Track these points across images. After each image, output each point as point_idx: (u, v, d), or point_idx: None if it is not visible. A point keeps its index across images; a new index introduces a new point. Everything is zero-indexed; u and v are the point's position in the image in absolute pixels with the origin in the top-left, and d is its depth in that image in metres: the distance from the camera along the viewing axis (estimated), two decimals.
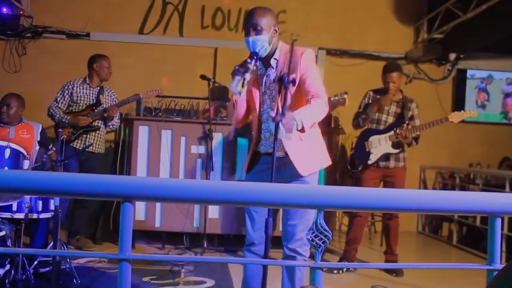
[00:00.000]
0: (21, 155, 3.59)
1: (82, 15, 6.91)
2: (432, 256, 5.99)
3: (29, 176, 1.44)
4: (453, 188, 7.03)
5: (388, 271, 4.84)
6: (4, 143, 3.54)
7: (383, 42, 7.39)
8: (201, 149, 5.33)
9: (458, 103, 7.60)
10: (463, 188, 6.94)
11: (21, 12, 6.58)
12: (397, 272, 4.76)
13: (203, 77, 5.30)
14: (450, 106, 7.65)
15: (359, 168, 4.94)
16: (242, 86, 2.71)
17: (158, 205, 5.26)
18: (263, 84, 2.93)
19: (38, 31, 6.92)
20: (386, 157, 4.79)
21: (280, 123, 2.53)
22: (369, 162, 4.80)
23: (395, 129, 4.74)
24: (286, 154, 2.89)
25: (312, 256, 1.67)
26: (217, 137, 5.36)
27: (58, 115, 5.13)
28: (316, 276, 1.44)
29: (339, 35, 7.35)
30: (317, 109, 2.71)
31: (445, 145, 7.57)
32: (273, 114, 2.56)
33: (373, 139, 4.82)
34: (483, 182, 6.77)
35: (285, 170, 2.91)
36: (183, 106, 5.68)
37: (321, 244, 1.45)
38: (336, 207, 1.42)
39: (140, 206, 5.19)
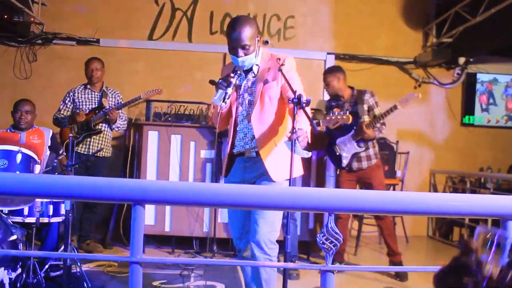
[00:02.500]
0: (32, 160, 3.63)
1: (92, 22, 6.96)
2: (442, 261, 5.93)
3: (41, 180, 1.45)
4: (463, 193, 6.99)
5: (392, 275, 4.82)
6: (15, 148, 3.57)
7: (392, 46, 7.37)
8: (211, 154, 5.35)
9: (468, 107, 7.57)
10: (474, 193, 6.90)
11: (32, 19, 6.64)
12: (401, 277, 4.73)
13: (212, 82, 5.30)
14: (460, 110, 7.61)
15: (337, 172, 5.05)
16: (224, 99, 2.81)
17: (167, 209, 5.28)
18: (242, 87, 3.02)
19: (48, 37, 6.98)
20: (357, 157, 4.84)
21: (296, 140, 2.59)
22: (343, 165, 4.88)
23: (354, 128, 4.73)
24: (258, 154, 2.96)
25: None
26: (226, 141, 5.37)
27: (60, 118, 5.21)
28: (327, 279, 1.44)
29: (347, 40, 7.34)
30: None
31: (455, 149, 7.53)
32: (288, 134, 2.65)
33: (339, 142, 4.87)
34: (494, 187, 6.73)
35: (254, 169, 2.99)
36: (192, 111, 5.71)
37: (332, 247, 1.45)
38: (346, 210, 1.42)
39: (149, 211, 5.22)
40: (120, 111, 5.27)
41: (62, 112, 5.27)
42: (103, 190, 1.39)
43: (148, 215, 5.23)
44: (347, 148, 4.81)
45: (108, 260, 4.73)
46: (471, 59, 7.42)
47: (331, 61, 7.25)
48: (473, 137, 7.56)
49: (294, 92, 2.76)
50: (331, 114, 4.14)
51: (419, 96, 4.52)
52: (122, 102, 5.40)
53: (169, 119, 5.53)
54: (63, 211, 3.87)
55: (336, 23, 7.33)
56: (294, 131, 2.62)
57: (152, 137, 5.34)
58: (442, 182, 7.50)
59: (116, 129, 5.39)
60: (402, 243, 6.26)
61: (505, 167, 7.37)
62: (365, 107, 4.77)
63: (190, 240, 5.42)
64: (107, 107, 5.25)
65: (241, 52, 2.86)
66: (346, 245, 5.68)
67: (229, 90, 2.82)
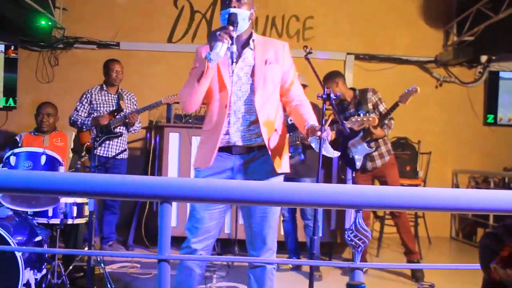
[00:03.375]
0: (56, 161, 3.66)
1: (112, 25, 7.03)
2: (466, 263, 5.85)
3: (69, 177, 1.46)
4: None
5: (411, 276, 4.77)
6: (40, 150, 3.61)
7: (412, 46, 7.31)
8: None
9: (491, 106, 7.47)
10: None
11: (54, 24, 6.73)
12: (417, 277, 4.68)
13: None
14: (482, 109, 7.51)
15: (353, 175, 5.01)
16: (232, 54, 2.51)
17: (189, 210, 5.28)
18: (234, 61, 2.65)
19: (69, 42, 7.08)
20: (370, 157, 4.79)
21: (326, 140, 2.49)
22: (357, 167, 4.84)
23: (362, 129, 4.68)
24: (264, 146, 2.67)
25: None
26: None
27: (80, 120, 5.24)
28: (356, 276, 1.43)
29: (367, 40, 7.30)
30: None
31: (477, 149, 7.43)
32: (319, 133, 2.51)
33: (350, 144, 4.83)
34: None
35: (260, 165, 2.70)
36: None
37: (361, 244, 1.43)
38: (374, 206, 1.40)
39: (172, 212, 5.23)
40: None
41: (80, 113, 5.30)
42: (132, 188, 1.39)
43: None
44: (358, 150, 4.78)
45: (136, 257, 4.76)
46: (493, 57, 7.32)
47: (351, 61, 7.22)
48: (496, 136, 7.45)
49: (323, 87, 2.71)
50: (356, 116, 4.12)
51: (418, 90, 4.44)
52: (137, 105, 5.44)
53: (190, 120, 5.54)
54: (86, 213, 3.90)
55: (356, 23, 7.29)
56: (323, 129, 2.50)
57: (173, 139, 5.36)
58: (465, 183, 7.40)
59: (133, 131, 5.43)
60: (424, 244, 6.19)
61: None
62: (370, 105, 4.73)
63: None
64: (125, 109, 5.29)
65: (235, 2, 2.55)
66: (368, 246, 5.65)
67: (234, 48, 2.48)
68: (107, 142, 5.26)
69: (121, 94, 5.37)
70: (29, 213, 3.71)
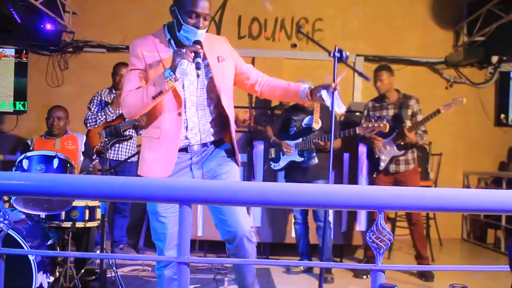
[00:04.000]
0: (69, 164, 3.66)
1: (122, 29, 7.04)
2: (478, 264, 5.81)
3: (88, 180, 1.45)
4: None
5: (419, 275, 4.82)
6: (52, 153, 3.61)
7: (422, 47, 7.28)
8: (242, 158, 5.33)
9: (502, 107, 7.42)
10: None
11: (63, 28, 6.75)
12: (427, 277, 4.72)
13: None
14: (493, 110, 7.46)
15: (374, 175, 4.99)
16: (199, 68, 2.38)
17: (200, 213, 5.28)
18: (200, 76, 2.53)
19: (79, 45, 7.10)
20: (395, 161, 4.79)
21: (337, 93, 2.49)
22: (380, 168, 4.82)
23: (396, 131, 4.66)
24: (218, 142, 2.67)
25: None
26: (258, 145, 5.35)
27: (98, 115, 5.21)
28: (378, 278, 1.41)
29: (377, 41, 7.27)
30: None
31: (489, 150, 7.38)
32: (333, 85, 2.55)
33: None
34: None
35: (217, 152, 2.66)
36: None
37: (383, 246, 1.41)
38: (396, 208, 1.38)
39: None
40: None
41: (93, 111, 5.29)
42: (151, 191, 1.38)
43: None
44: (386, 151, 4.76)
45: (155, 260, 4.75)
46: (504, 58, 7.26)
47: (361, 63, 7.19)
48: (508, 137, 7.39)
49: (335, 47, 2.70)
50: (368, 122, 4.13)
51: (463, 101, 4.46)
52: None
53: None
54: (98, 216, 3.90)
55: (365, 25, 7.26)
56: (337, 84, 2.51)
57: None
58: (476, 184, 7.35)
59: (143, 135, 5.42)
60: (436, 246, 6.15)
61: None
62: (409, 112, 4.74)
63: (222, 245, 5.39)
64: None
65: (202, 22, 2.43)
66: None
67: (199, 60, 2.37)
68: (117, 145, 5.26)
69: None
70: (41, 216, 3.72)
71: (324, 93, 2.57)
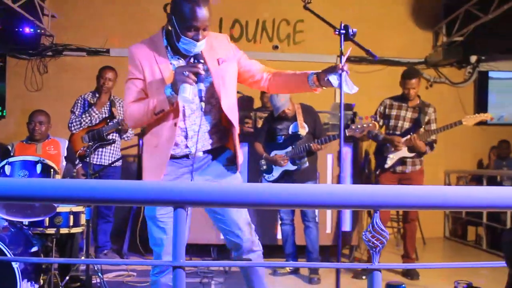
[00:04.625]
0: (52, 170, 3.60)
1: (102, 32, 6.98)
2: (460, 261, 5.89)
3: (79, 184, 1.42)
4: None
5: (404, 274, 4.88)
6: (35, 158, 3.55)
7: (402, 47, 7.35)
8: None
9: (480, 106, 7.53)
10: None
11: (42, 31, 6.66)
12: (412, 275, 4.78)
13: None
14: (472, 109, 7.56)
15: (377, 172, 5.01)
16: (202, 96, 2.34)
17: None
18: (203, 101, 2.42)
19: (58, 49, 7.01)
20: (402, 161, 4.85)
21: (346, 74, 2.38)
22: (386, 166, 4.87)
23: (411, 133, 4.72)
24: (223, 145, 2.59)
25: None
26: (242, 147, 5.34)
27: (82, 117, 5.15)
28: (374, 277, 1.41)
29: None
30: None
31: (469, 148, 7.48)
32: (340, 65, 2.41)
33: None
34: (510, 184, 6.66)
35: (220, 160, 2.59)
36: None
37: (379, 244, 1.42)
38: (392, 206, 1.38)
39: None
40: None
41: (77, 114, 5.22)
42: (144, 194, 1.36)
43: None
44: (396, 151, 4.81)
45: (149, 265, 4.70)
46: (482, 57, 7.38)
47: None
48: (487, 135, 7.50)
49: (340, 23, 2.64)
50: (356, 123, 4.17)
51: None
52: None
53: None
54: (82, 221, 3.85)
55: None
56: (344, 64, 2.40)
57: None
58: (456, 182, 7.44)
59: (126, 138, 5.38)
60: (419, 245, 6.19)
61: None
62: (426, 118, 4.81)
63: (207, 248, 5.38)
64: (117, 116, 5.23)
65: (201, 34, 2.34)
66: (362, 248, 5.66)
67: (202, 86, 2.33)
68: (100, 149, 5.20)
69: (113, 101, 5.32)
70: (24, 223, 3.65)
71: (332, 78, 2.45)
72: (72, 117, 5.22)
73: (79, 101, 5.29)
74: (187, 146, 2.51)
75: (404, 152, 4.80)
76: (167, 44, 2.49)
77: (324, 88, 2.54)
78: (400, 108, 4.87)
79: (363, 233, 1.42)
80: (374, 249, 1.42)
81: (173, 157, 2.49)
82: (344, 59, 2.54)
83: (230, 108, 2.52)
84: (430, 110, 4.86)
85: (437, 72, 7.49)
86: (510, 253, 1.30)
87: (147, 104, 2.40)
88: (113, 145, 5.25)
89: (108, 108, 5.29)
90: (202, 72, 2.32)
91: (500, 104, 7.65)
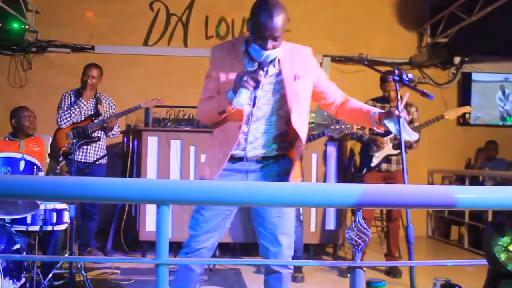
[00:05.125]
0: (35, 167, 3.58)
1: (87, 29, 6.94)
2: (442, 259, 5.95)
3: (62, 181, 1.42)
4: None
5: (387, 272, 4.96)
6: (18, 155, 3.52)
7: (387, 48, 7.41)
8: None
9: (463, 106, 7.60)
10: None
11: (26, 27, 6.59)
12: (395, 273, 4.87)
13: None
14: None
15: (363, 172, 5.06)
16: (254, 100, 2.45)
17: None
18: (255, 106, 2.53)
19: (43, 45, 6.95)
20: (387, 159, 4.92)
21: (404, 120, 2.45)
22: (372, 164, 4.95)
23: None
24: (279, 156, 2.61)
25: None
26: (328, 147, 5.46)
27: (71, 110, 5.12)
28: (356, 275, 1.42)
29: (343, 42, 7.37)
30: None
31: (452, 149, 7.57)
32: (397, 112, 2.49)
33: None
34: (493, 184, 6.76)
35: (276, 168, 2.62)
36: (191, 115, 5.68)
37: (361, 242, 1.43)
38: (375, 205, 1.40)
39: (151, 217, 5.17)
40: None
41: (65, 109, 5.19)
42: (128, 191, 1.36)
43: (148, 221, 5.19)
44: (381, 150, 4.88)
45: (133, 262, 4.68)
46: (466, 59, 7.46)
47: (327, 64, 7.27)
48: (470, 135, 7.59)
49: (394, 67, 2.69)
50: (335, 124, 4.24)
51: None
52: (115, 108, 5.37)
53: (168, 124, 5.49)
54: (66, 219, 3.82)
55: (332, 25, 7.35)
56: (402, 109, 2.45)
57: (151, 143, 5.30)
58: (440, 182, 7.52)
59: (111, 136, 5.36)
60: (402, 244, 6.24)
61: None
62: (409, 118, 4.87)
63: None
64: (103, 114, 5.20)
65: (270, 44, 2.36)
66: (345, 246, 5.70)
67: (259, 93, 2.44)
68: (85, 147, 5.17)
69: (99, 98, 5.29)
70: (6, 220, 3.61)
71: (389, 124, 2.53)
72: (60, 112, 5.19)
73: (66, 97, 5.26)
74: (244, 149, 2.56)
75: (389, 149, 4.87)
76: (245, 49, 2.53)
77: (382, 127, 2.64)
78: (383, 109, 4.91)
79: (346, 231, 1.43)
80: (356, 247, 1.44)
81: (232, 158, 2.56)
82: (401, 106, 2.60)
83: (300, 123, 2.54)
84: (413, 109, 4.95)
85: (421, 73, 7.56)
86: (488, 246, 1.33)
87: (214, 103, 2.54)
88: (98, 142, 5.23)
89: (93, 105, 5.26)
90: (262, 80, 2.36)
91: (482, 105, 7.75)
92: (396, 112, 2.50)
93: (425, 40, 7.40)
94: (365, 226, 1.42)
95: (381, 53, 7.37)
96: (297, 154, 2.61)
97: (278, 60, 2.48)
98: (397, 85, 2.93)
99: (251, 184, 1.37)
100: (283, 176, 2.60)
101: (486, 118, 7.79)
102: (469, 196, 1.34)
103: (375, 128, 2.67)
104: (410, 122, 4.89)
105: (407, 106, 4.92)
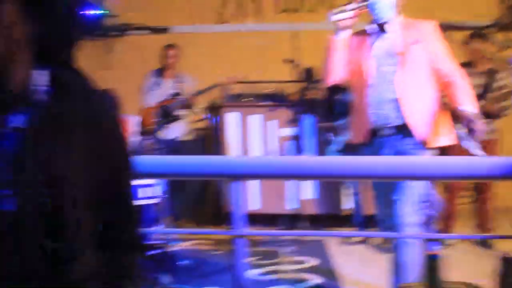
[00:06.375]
0: None
1: (164, 11, 7.10)
2: None
3: (142, 160, 1.51)
4: None
5: (481, 243, 4.61)
6: None
7: (467, 10, 6.89)
8: (291, 132, 5.29)
9: None
10: None
11: (107, 12, 6.86)
12: (488, 245, 4.49)
13: (286, 60, 5.30)
14: None
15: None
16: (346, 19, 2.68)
17: (256, 187, 5.27)
18: (374, 48, 2.73)
19: (121, 28, 7.17)
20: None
21: (474, 132, 2.46)
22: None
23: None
24: (402, 126, 2.64)
25: None
26: (306, 119, 5.34)
27: (151, 92, 5.38)
28: (432, 247, 1.42)
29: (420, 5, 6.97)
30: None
31: None
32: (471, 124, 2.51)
33: None
34: None
35: (402, 142, 2.62)
36: (269, 91, 5.69)
37: (435, 215, 1.42)
38: (450, 177, 1.38)
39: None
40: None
41: (148, 89, 5.43)
42: (203, 168, 1.42)
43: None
44: None
45: (212, 234, 4.80)
46: None
47: None
48: None
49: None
50: None
51: None
52: (196, 88, 5.50)
53: (247, 99, 5.55)
54: (156, 193, 3.95)
55: None
56: (469, 120, 2.51)
57: (231, 119, 5.37)
58: None
59: (194, 114, 5.52)
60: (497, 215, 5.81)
61: None
62: (496, 84, 4.57)
63: (276, 218, 5.35)
64: (184, 93, 5.36)
65: None
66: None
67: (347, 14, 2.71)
68: (169, 125, 5.36)
69: (179, 78, 5.46)
70: None
71: (458, 129, 2.63)
72: (144, 92, 5.42)
73: (148, 78, 5.50)
74: (376, 115, 2.68)
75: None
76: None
77: None
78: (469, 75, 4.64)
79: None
80: (430, 220, 1.43)
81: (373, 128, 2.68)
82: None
83: (406, 89, 2.64)
84: (503, 75, 4.58)
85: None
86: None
87: None
88: (181, 120, 5.40)
89: (174, 85, 5.43)
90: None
91: None
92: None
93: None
94: (438, 199, 1.40)
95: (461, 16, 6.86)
96: (417, 121, 2.65)
97: (396, 31, 2.73)
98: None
99: (323, 158, 1.39)
100: (413, 144, 2.61)
101: None
102: None
103: None
104: (501, 89, 4.56)
105: (494, 72, 4.59)
